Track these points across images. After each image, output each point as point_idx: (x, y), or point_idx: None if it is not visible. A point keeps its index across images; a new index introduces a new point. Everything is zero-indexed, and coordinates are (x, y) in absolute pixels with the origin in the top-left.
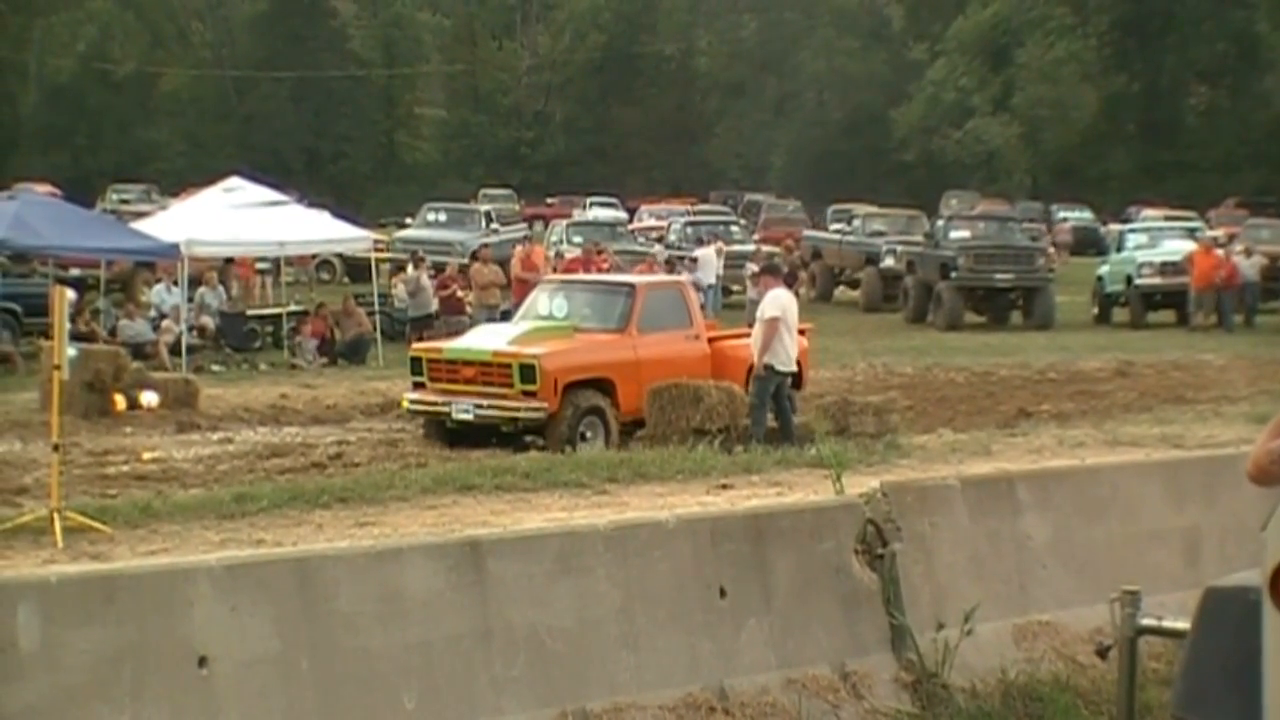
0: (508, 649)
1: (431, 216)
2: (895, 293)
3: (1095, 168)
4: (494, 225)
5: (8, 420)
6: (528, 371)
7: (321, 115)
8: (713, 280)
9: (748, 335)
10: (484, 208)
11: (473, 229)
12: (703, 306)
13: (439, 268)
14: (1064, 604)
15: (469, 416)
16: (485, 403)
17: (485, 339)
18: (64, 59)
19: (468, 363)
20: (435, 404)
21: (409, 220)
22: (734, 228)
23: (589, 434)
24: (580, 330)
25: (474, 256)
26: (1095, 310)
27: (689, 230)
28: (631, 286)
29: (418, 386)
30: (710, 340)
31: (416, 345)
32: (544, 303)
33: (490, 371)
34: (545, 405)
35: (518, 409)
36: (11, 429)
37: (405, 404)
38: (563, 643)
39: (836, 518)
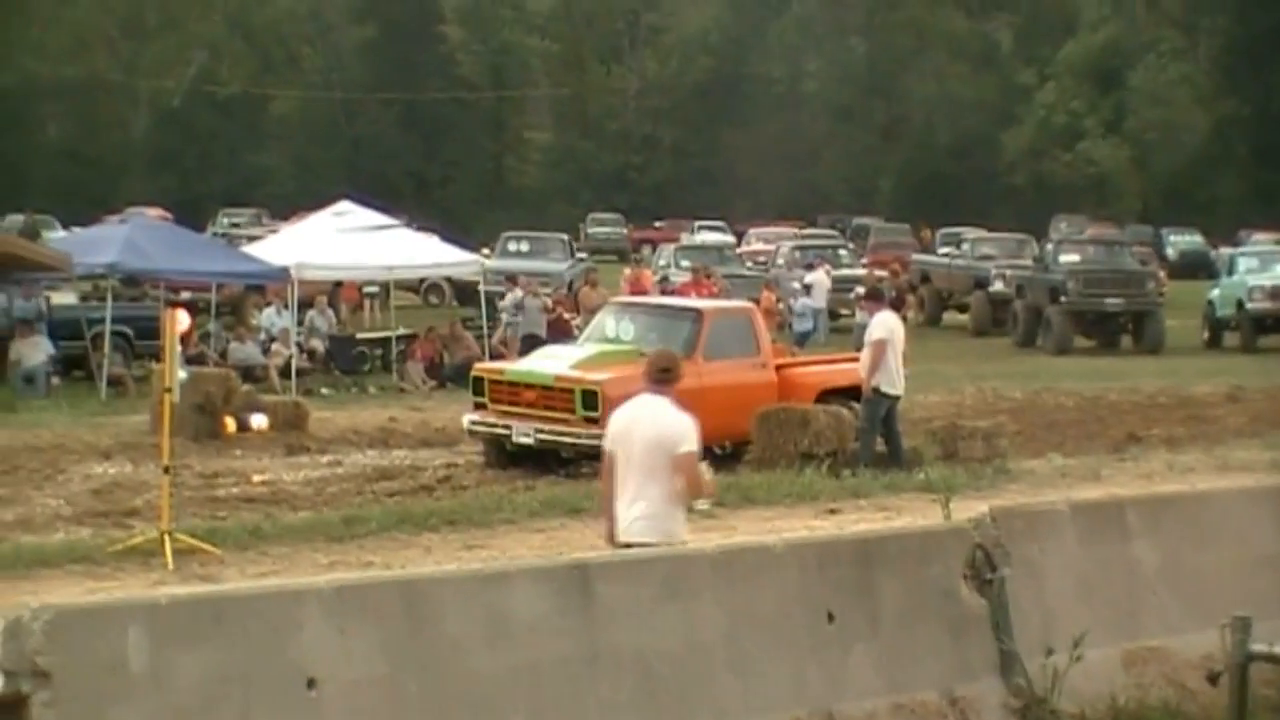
0: (615, 672)
1: (513, 246)
2: (1004, 317)
3: (1205, 191)
4: (580, 254)
5: (119, 442)
6: (590, 398)
7: (430, 139)
8: (823, 304)
9: (819, 363)
10: (563, 236)
11: (561, 258)
12: (813, 331)
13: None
14: (1174, 630)
15: (529, 440)
16: (546, 427)
17: (548, 362)
18: (173, 83)
19: (529, 385)
20: (496, 426)
21: (486, 252)
22: (842, 251)
23: None
24: (645, 355)
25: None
26: (1205, 334)
27: (797, 255)
28: (698, 312)
29: (479, 407)
30: (778, 368)
31: (479, 366)
32: (610, 325)
33: (552, 396)
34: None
35: (579, 435)
36: (122, 451)
37: (465, 424)
38: (669, 667)
39: (945, 543)
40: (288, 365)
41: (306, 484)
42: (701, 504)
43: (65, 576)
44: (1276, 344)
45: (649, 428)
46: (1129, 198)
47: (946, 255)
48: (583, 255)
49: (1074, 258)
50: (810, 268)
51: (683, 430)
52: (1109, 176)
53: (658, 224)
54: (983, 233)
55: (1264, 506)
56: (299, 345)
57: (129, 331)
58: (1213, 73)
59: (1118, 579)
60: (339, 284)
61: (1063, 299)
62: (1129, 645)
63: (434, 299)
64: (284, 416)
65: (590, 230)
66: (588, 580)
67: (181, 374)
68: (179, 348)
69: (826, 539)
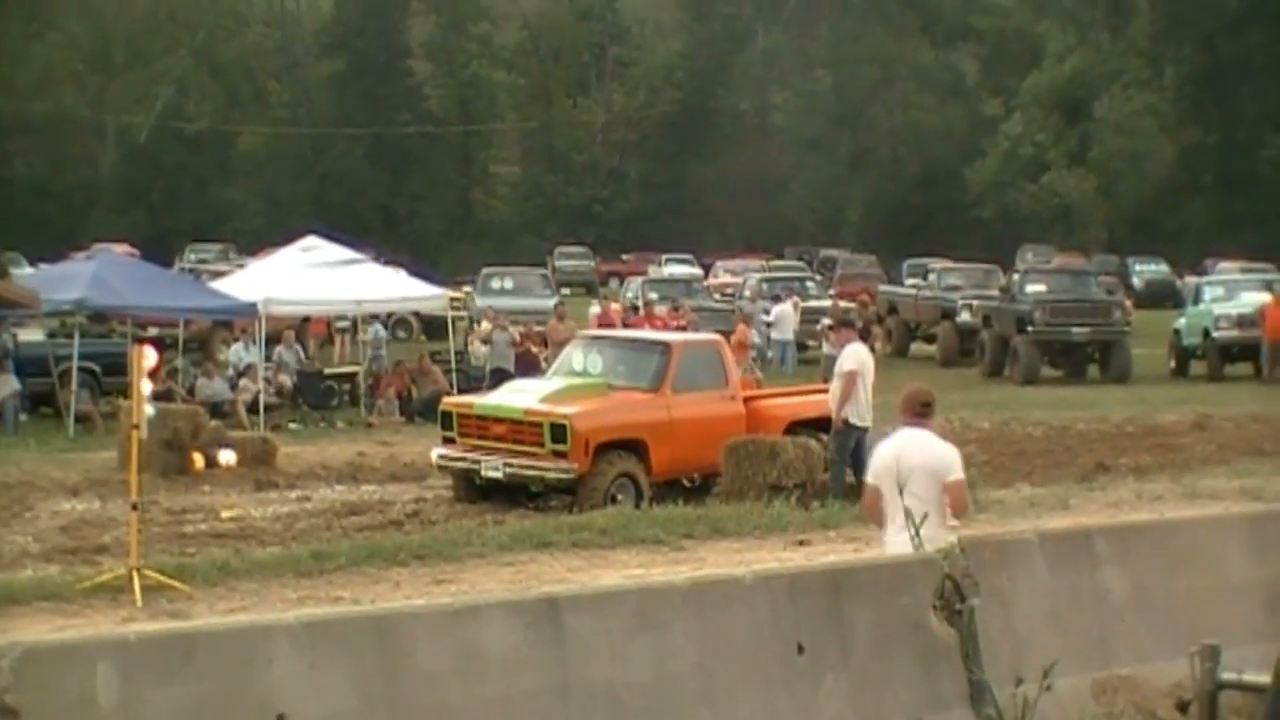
0: (586, 705)
1: (496, 284)
2: (971, 347)
3: (1172, 220)
4: (563, 289)
5: (87, 479)
6: (559, 431)
7: (397, 174)
8: (789, 336)
9: (786, 395)
10: (543, 271)
11: (547, 294)
12: (770, 361)
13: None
14: (1144, 658)
15: (498, 475)
16: (515, 461)
17: (517, 396)
18: (140, 118)
19: (498, 420)
20: (465, 460)
21: (467, 288)
22: (809, 283)
23: (619, 496)
24: (613, 388)
25: None
26: (1172, 363)
27: (764, 287)
28: (666, 345)
29: (448, 442)
30: (746, 400)
31: (447, 400)
32: (578, 358)
33: (521, 430)
34: (575, 466)
35: (548, 469)
36: (91, 488)
37: (434, 459)
38: (640, 699)
39: (914, 573)
40: (256, 401)
41: (275, 519)
42: (952, 521)
43: (34, 614)
44: (1243, 372)
45: (920, 458)
46: (1095, 227)
47: (913, 286)
48: (565, 290)
49: (1040, 288)
50: (778, 299)
51: (952, 460)
52: (1075, 206)
53: (625, 257)
54: (949, 263)
55: (1232, 534)
56: (267, 380)
57: (96, 368)
58: (1178, 102)
59: (1087, 608)
60: (307, 319)
61: (1030, 329)
62: (1099, 674)
63: (402, 333)
64: (252, 452)
65: (558, 263)
66: (558, 613)
67: (149, 410)
68: (147, 384)
69: (796, 570)
